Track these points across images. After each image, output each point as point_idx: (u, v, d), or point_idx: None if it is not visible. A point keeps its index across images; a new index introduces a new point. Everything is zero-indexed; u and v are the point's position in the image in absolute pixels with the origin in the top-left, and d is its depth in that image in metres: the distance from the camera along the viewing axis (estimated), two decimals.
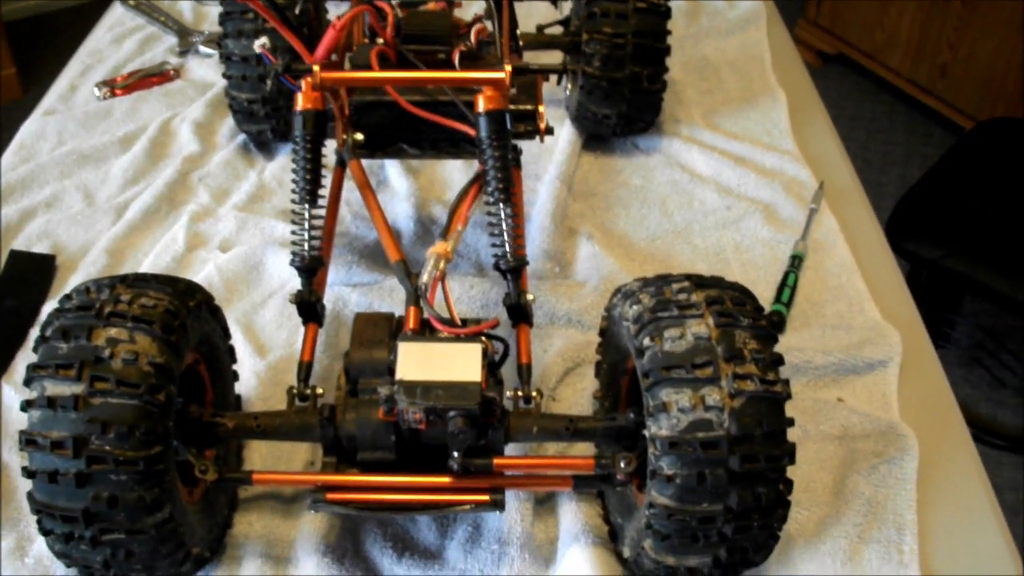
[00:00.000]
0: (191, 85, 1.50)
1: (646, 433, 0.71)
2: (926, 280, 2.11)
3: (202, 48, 1.57)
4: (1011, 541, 0.90)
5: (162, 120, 1.41)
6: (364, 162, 1.28)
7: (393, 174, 1.29)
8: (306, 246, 0.92)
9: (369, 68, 0.94)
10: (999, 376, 2.37)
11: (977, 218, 2.03)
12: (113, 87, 1.48)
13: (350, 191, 1.08)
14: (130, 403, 0.70)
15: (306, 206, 0.92)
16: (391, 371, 0.77)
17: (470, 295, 1.08)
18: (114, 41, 1.61)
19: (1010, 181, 2.10)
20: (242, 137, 1.37)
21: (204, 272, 1.14)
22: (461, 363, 0.76)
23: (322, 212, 0.94)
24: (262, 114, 1.27)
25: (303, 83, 0.92)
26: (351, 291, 1.10)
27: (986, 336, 2.37)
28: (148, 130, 1.39)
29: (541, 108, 1.01)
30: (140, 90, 1.49)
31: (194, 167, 1.33)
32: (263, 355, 1.04)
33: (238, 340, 1.04)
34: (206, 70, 1.53)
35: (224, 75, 1.26)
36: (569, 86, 1.35)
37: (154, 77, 1.51)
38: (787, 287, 1.11)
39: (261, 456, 0.95)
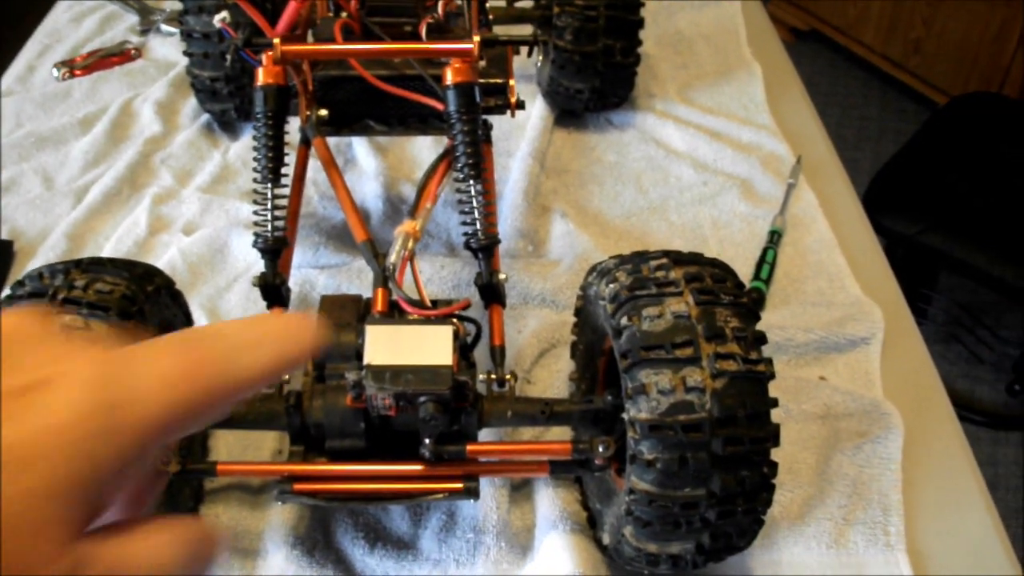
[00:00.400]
0: (153, 64, 1.46)
1: (625, 416, 0.68)
2: (902, 256, 2.10)
3: (164, 26, 1.53)
4: (998, 520, 0.88)
5: (123, 101, 1.37)
6: (331, 141, 1.26)
7: (361, 153, 1.26)
8: (269, 227, 0.89)
9: (333, 41, 0.91)
10: (976, 352, 2.37)
11: (953, 193, 2.02)
12: (72, 68, 1.44)
13: (317, 171, 1.04)
14: None
15: (268, 185, 0.88)
16: (359, 355, 0.74)
17: (441, 275, 1.05)
18: (73, 20, 1.57)
19: (986, 156, 2.10)
20: (206, 117, 1.33)
21: (167, 256, 1.10)
22: (431, 346, 0.73)
23: (285, 191, 0.90)
24: (225, 92, 1.24)
25: (264, 57, 0.89)
26: (318, 273, 1.07)
27: (963, 312, 2.37)
28: (109, 111, 1.35)
29: (512, 81, 0.98)
30: (100, 70, 1.45)
31: (156, 148, 1.29)
32: None
33: (202, 325, 1.01)
34: (168, 49, 1.49)
35: (185, 53, 1.22)
36: (540, 60, 1.32)
37: (114, 57, 1.47)
38: (766, 263, 1.08)
39: (227, 445, 0.91)
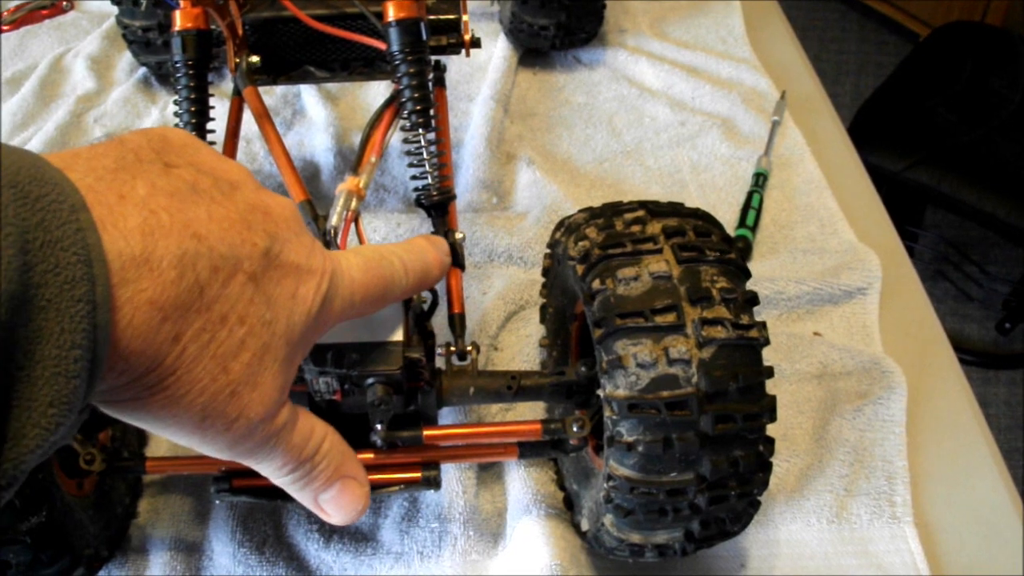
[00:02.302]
0: (85, 16, 1.36)
1: (600, 393, 0.60)
2: (887, 193, 2.03)
3: None
4: (1010, 481, 0.81)
5: (53, 57, 1.28)
6: (278, 90, 1.16)
7: (310, 102, 1.16)
8: None
9: None
10: (965, 289, 2.31)
11: (939, 127, 1.95)
12: None
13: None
14: None
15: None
16: None
17: (398, 234, 0.96)
18: None
19: (971, 88, 2.03)
20: (142, 71, 1.23)
21: None
22: (379, 320, 0.64)
23: (214, 147, 0.81)
24: (160, 43, 1.14)
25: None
26: None
27: (951, 249, 2.30)
28: (38, 68, 1.25)
29: (465, 17, 0.89)
30: (29, 24, 1.35)
31: (89, 106, 1.19)
32: None
33: None
34: None
35: (113, 1, 1.12)
36: None
37: (44, 10, 1.37)
38: (752, 209, 1.00)
39: None
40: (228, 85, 1.03)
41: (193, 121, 0.79)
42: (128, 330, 0.35)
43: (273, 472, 0.47)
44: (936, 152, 1.91)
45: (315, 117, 1.14)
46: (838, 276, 0.92)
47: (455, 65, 1.20)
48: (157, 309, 0.36)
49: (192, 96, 0.79)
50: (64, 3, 1.38)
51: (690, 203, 0.69)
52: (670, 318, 0.58)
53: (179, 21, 0.79)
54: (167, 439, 0.81)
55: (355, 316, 0.49)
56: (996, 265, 2.34)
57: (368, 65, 0.89)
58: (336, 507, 0.50)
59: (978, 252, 2.34)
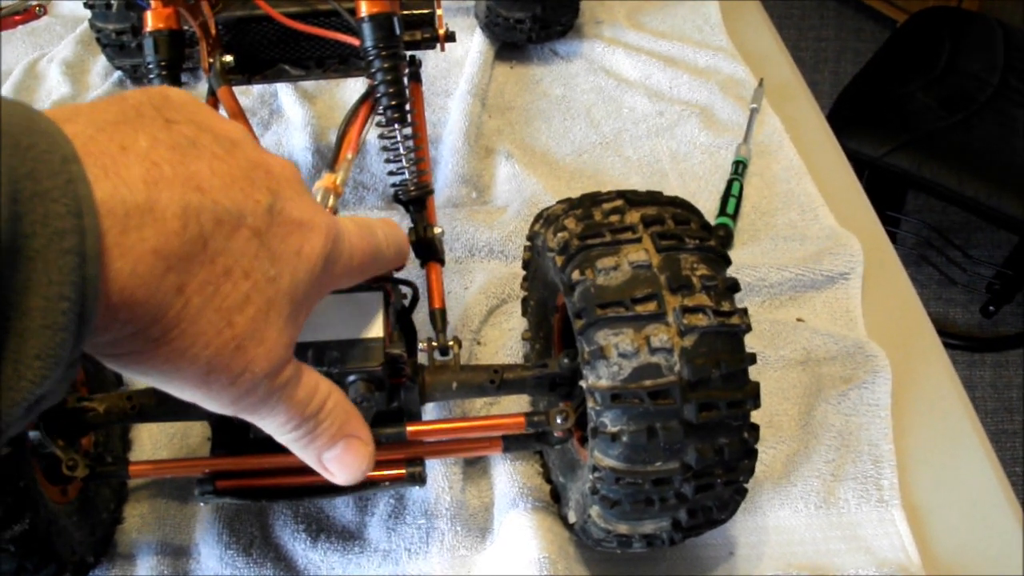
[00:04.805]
0: (59, 21, 1.35)
1: (583, 384, 0.59)
2: (869, 179, 2.03)
3: None
4: (996, 462, 0.81)
5: (28, 62, 1.26)
6: (255, 90, 1.16)
7: (287, 101, 1.15)
8: None
9: None
10: (948, 273, 2.32)
11: (919, 112, 1.96)
12: None
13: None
14: None
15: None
16: None
17: None
18: None
19: (950, 72, 2.04)
20: (117, 74, 1.22)
21: None
22: (359, 317, 0.64)
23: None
24: (133, 46, 1.13)
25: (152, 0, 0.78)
26: None
27: (933, 233, 2.31)
28: (12, 74, 1.24)
29: (439, 11, 0.88)
30: (2, 30, 1.33)
31: None
32: None
33: None
34: (76, 3, 1.37)
35: (86, 5, 1.12)
36: None
37: (17, 15, 1.35)
38: (732, 197, 1.00)
39: (151, 435, 0.82)
40: (204, 85, 1.02)
41: None
42: (132, 279, 0.35)
43: (277, 429, 0.47)
44: (916, 137, 1.92)
45: (293, 116, 1.13)
46: (820, 262, 0.92)
47: (432, 61, 1.20)
48: (161, 259, 0.36)
49: None
50: (37, 8, 1.37)
51: (670, 192, 0.68)
52: (651, 307, 0.58)
53: (150, 22, 0.79)
54: (151, 439, 0.81)
55: (351, 282, 0.50)
56: (979, 248, 2.34)
57: (343, 62, 0.89)
58: (340, 466, 0.50)
59: (961, 236, 2.34)
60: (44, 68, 1.26)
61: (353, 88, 1.18)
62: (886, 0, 2.88)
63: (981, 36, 2.12)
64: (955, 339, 2.26)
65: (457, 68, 1.19)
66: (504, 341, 0.87)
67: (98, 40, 1.16)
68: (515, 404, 0.81)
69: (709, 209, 1.00)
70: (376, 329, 0.63)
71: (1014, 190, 1.84)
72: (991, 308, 2.25)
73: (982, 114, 1.96)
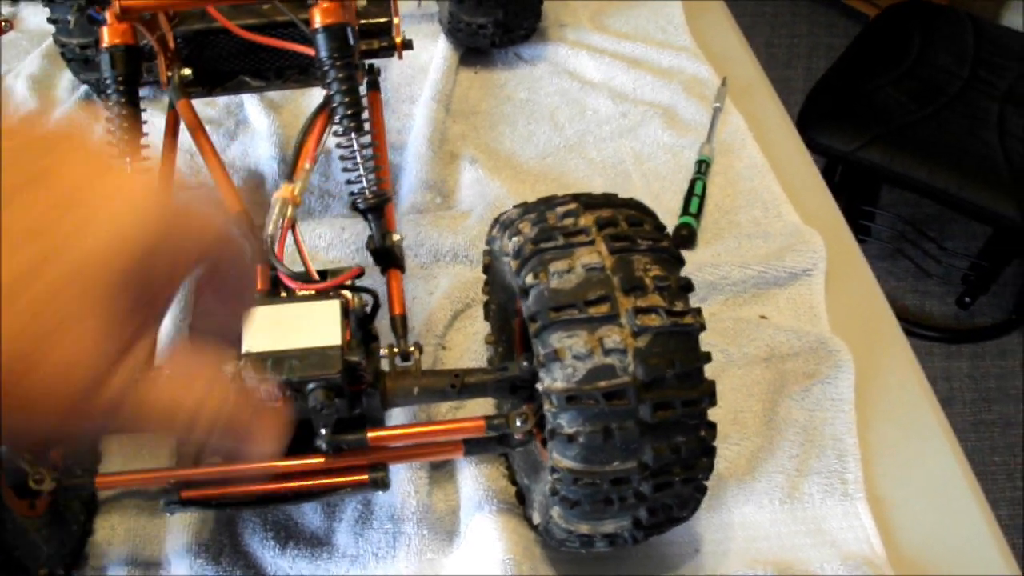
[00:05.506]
0: (25, 36, 1.35)
1: (539, 387, 0.60)
2: (841, 174, 2.04)
3: None
4: (960, 453, 0.82)
5: None
6: (221, 101, 1.16)
7: (253, 112, 1.15)
8: None
9: None
10: (923, 266, 2.33)
11: (890, 106, 1.97)
12: None
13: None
14: None
15: (126, 160, 0.78)
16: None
17: (343, 239, 0.96)
18: None
19: (920, 66, 2.05)
20: (84, 88, 1.22)
21: None
22: (318, 325, 0.64)
23: (149, 165, 0.80)
24: (98, 60, 1.13)
25: (108, 15, 0.79)
26: None
27: (907, 226, 2.32)
28: None
29: (396, 19, 0.89)
30: None
31: None
32: None
33: None
34: (42, 17, 1.37)
35: (50, 20, 1.12)
36: None
37: None
38: (695, 196, 1.00)
39: (121, 447, 0.82)
40: (165, 98, 1.02)
41: (125, 137, 0.79)
42: None
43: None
44: (887, 131, 1.93)
45: (258, 127, 1.13)
46: (783, 259, 0.93)
47: (396, 68, 1.20)
48: None
49: (124, 113, 0.79)
50: (3, 23, 1.36)
51: (634, 193, 0.69)
52: (604, 309, 0.58)
53: (107, 37, 0.79)
54: (121, 451, 0.81)
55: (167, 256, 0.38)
56: (953, 240, 2.35)
57: (303, 72, 0.89)
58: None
59: (935, 228, 2.35)
60: (11, 84, 1.25)
61: (318, 97, 1.18)
62: None
63: (951, 29, 2.14)
64: (932, 331, 2.27)
65: (421, 74, 1.19)
66: (468, 345, 0.87)
67: (63, 55, 1.15)
68: (481, 408, 0.81)
69: (673, 208, 1.01)
70: (334, 337, 0.64)
71: (984, 181, 1.85)
72: (967, 299, 2.26)
73: (952, 106, 1.97)
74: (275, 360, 0.62)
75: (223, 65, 0.88)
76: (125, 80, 0.79)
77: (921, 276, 2.34)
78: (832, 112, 1.99)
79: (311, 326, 0.64)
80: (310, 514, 0.77)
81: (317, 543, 0.75)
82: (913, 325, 2.24)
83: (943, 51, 2.09)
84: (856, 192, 2.12)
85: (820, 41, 2.99)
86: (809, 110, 2.01)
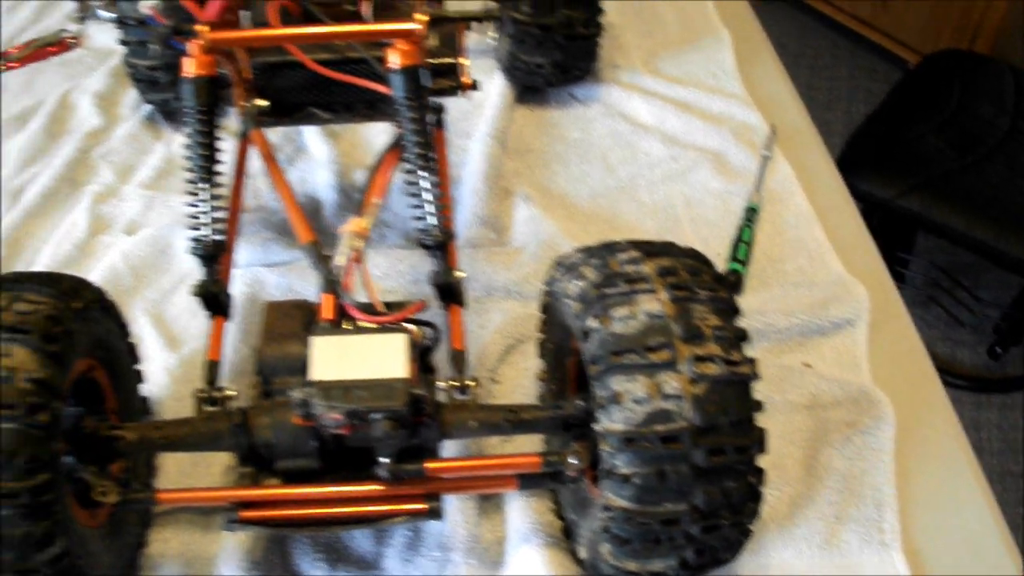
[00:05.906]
0: (91, 53, 1.39)
1: (596, 428, 0.62)
2: (879, 219, 2.05)
3: (102, 12, 1.44)
4: (996, 507, 0.83)
5: (60, 93, 1.30)
6: (281, 129, 1.19)
7: (312, 140, 1.18)
8: (205, 230, 0.82)
9: (268, 25, 0.84)
10: (956, 314, 2.33)
11: (929, 154, 1.97)
12: (6, 59, 1.36)
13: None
14: (8, 427, 0.60)
15: (203, 186, 0.81)
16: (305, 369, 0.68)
17: (399, 270, 0.99)
18: (7, 9, 1.48)
19: (960, 115, 2.05)
20: (148, 108, 1.26)
21: (108, 259, 1.03)
22: (384, 357, 0.67)
23: (223, 191, 0.83)
24: (166, 82, 1.16)
25: (192, 46, 0.82)
26: (268, 271, 1.00)
27: (941, 274, 2.32)
28: (46, 105, 1.28)
29: (463, 60, 0.91)
30: (36, 61, 1.37)
31: (96, 143, 1.22)
32: (175, 348, 0.94)
33: (147, 333, 0.95)
34: (108, 36, 1.40)
35: (121, 42, 1.15)
36: (496, 35, 1.25)
37: (51, 47, 1.39)
38: (743, 243, 1.03)
39: (177, 462, 0.85)
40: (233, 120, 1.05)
41: (204, 165, 0.82)
42: None
43: None
44: (926, 179, 1.93)
45: (317, 154, 1.16)
46: (827, 308, 0.95)
47: (454, 102, 1.22)
48: None
49: (202, 141, 0.82)
50: (70, 40, 1.40)
51: (683, 238, 0.71)
52: (664, 355, 0.61)
53: (190, 67, 0.82)
54: (177, 467, 0.84)
55: None
56: (986, 290, 2.36)
57: (370, 107, 0.92)
58: None
59: (969, 277, 2.35)
60: (76, 99, 1.29)
61: (377, 127, 1.21)
62: (899, 41, 2.90)
63: (992, 80, 2.15)
64: (961, 380, 2.27)
65: (478, 110, 1.22)
66: (520, 380, 0.89)
67: (132, 76, 1.19)
68: (528, 442, 0.84)
69: (721, 254, 1.03)
70: (401, 369, 0.66)
71: (1022, 234, 1.86)
72: (998, 350, 2.26)
73: (992, 157, 1.98)
74: (343, 390, 0.65)
75: (293, 97, 0.91)
76: (206, 109, 0.82)
77: (953, 324, 2.34)
78: (872, 159, 2.00)
79: (378, 358, 0.67)
80: (359, 538, 0.79)
81: (366, 567, 0.78)
82: (943, 372, 2.23)
83: (984, 101, 2.10)
84: (893, 238, 2.13)
85: (860, 85, 3.00)
86: (849, 157, 2.02)
